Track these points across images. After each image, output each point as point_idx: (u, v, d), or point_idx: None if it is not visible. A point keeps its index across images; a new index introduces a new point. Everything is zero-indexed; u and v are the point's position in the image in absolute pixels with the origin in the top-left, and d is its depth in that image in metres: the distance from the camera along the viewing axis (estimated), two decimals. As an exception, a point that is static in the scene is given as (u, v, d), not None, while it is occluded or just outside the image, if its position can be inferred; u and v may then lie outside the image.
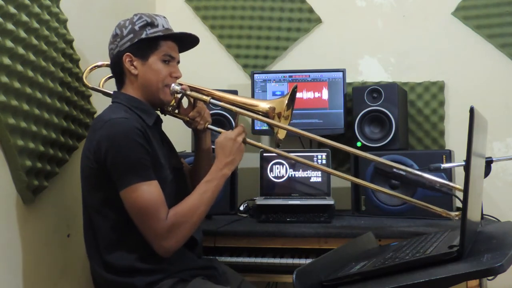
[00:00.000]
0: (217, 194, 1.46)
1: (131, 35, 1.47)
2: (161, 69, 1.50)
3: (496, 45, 2.38)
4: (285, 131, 1.63)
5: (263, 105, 1.59)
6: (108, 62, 1.58)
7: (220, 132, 1.58)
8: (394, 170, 1.70)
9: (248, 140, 1.57)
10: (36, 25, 1.53)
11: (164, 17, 1.55)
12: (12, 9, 1.41)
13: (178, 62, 1.56)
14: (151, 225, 1.33)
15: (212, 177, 1.46)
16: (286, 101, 1.58)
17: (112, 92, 1.59)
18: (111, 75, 1.60)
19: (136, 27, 1.48)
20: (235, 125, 1.56)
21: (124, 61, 1.48)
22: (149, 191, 1.33)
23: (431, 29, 2.44)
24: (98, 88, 1.75)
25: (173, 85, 1.52)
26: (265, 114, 1.58)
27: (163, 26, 1.51)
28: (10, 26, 1.40)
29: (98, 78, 1.78)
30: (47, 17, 1.61)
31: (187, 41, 1.58)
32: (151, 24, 1.49)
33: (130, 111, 1.46)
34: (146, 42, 1.48)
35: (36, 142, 1.52)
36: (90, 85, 1.74)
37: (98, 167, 1.37)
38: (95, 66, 1.77)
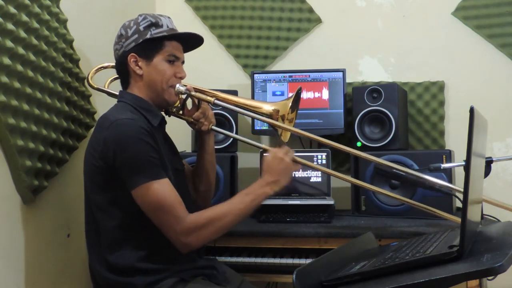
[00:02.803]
0: (251, 210, 1.45)
1: (136, 36, 1.48)
2: (165, 70, 1.50)
3: (496, 45, 2.38)
4: (289, 134, 1.64)
5: (267, 107, 1.60)
6: (114, 64, 1.58)
7: (224, 134, 1.59)
8: (394, 170, 1.70)
9: (298, 159, 1.55)
10: (36, 25, 1.53)
11: (169, 17, 1.55)
12: (12, 9, 1.41)
13: (183, 62, 1.56)
14: (168, 221, 1.34)
15: (251, 192, 1.46)
16: (290, 104, 1.59)
17: (117, 93, 1.59)
18: (116, 76, 1.61)
19: (141, 28, 1.48)
20: (281, 144, 1.56)
21: (129, 61, 1.49)
22: (161, 189, 1.34)
23: (431, 29, 2.44)
24: (104, 89, 1.76)
25: (177, 85, 1.53)
26: (269, 116, 1.59)
27: (168, 26, 1.51)
28: (10, 26, 1.40)
29: (102, 78, 1.78)
30: (47, 17, 1.61)
31: (191, 41, 1.58)
32: (156, 24, 1.49)
33: (135, 111, 1.46)
34: (150, 43, 1.48)
35: (36, 142, 1.52)
36: (95, 86, 1.74)
37: (105, 166, 1.37)
38: (101, 67, 1.77)
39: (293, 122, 1.64)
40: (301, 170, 2.10)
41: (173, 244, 1.36)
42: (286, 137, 1.65)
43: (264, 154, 1.59)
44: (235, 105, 1.61)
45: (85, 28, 1.91)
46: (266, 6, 2.56)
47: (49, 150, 1.60)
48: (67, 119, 1.73)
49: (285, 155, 1.51)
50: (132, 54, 1.48)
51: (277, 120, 1.58)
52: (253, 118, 2.18)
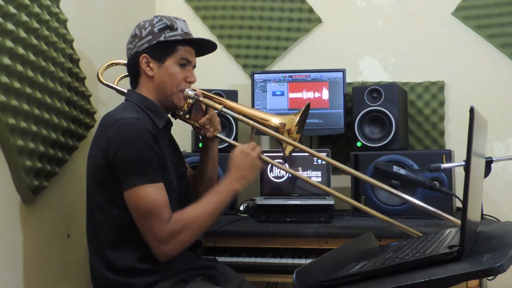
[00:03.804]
0: (223, 207, 1.43)
1: (150, 37, 1.48)
2: (176, 73, 1.50)
3: (496, 45, 2.38)
4: (291, 148, 1.65)
5: (275, 121, 1.62)
6: (125, 62, 1.58)
7: (228, 143, 1.61)
8: (394, 169, 1.70)
9: (263, 156, 1.57)
10: (36, 25, 1.53)
11: (184, 21, 1.55)
12: (12, 9, 1.41)
13: (194, 66, 1.57)
14: (152, 228, 1.33)
15: (221, 189, 1.45)
16: (298, 118, 1.60)
17: (125, 91, 1.59)
18: (126, 74, 1.61)
19: (155, 29, 1.48)
20: (250, 139, 1.56)
21: (140, 62, 1.49)
22: (153, 194, 1.33)
23: (431, 29, 2.45)
24: (113, 85, 1.76)
25: (187, 90, 1.53)
26: (276, 129, 1.60)
27: (182, 30, 1.51)
28: (10, 26, 1.40)
29: (111, 76, 1.79)
30: (47, 17, 1.61)
31: (205, 46, 1.58)
32: (171, 27, 1.49)
33: (141, 111, 1.46)
34: (164, 45, 1.48)
35: (36, 142, 1.52)
36: (105, 82, 1.75)
37: (106, 165, 1.37)
38: (112, 63, 1.78)
39: (297, 140, 1.66)
40: (301, 170, 2.10)
41: (154, 253, 1.34)
42: (289, 150, 1.66)
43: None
44: (242, 115, 1.62)
45: (85, 28, 1.91)
46: (266, 6, 2.56)
47: (49, 150, 1.60)
48: (67, 119, 1.73)
49: (252, 150, 1.50)
50: (144, 55, 1.48)
51: (282, 134, 1.60)
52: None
